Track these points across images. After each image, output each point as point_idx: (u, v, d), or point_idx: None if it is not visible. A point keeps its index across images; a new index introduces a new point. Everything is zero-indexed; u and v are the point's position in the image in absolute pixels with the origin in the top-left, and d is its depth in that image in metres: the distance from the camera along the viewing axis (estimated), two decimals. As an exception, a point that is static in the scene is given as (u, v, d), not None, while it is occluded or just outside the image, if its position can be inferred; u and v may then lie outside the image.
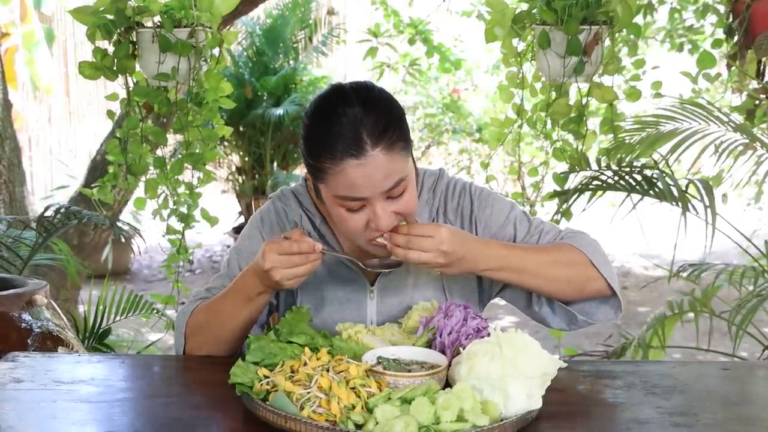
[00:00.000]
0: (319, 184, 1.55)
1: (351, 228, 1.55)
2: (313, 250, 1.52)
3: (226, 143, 7.39)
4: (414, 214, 1.59)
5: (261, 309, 1.64)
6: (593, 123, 3.16)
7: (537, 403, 1.37)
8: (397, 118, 1.52)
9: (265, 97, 7.28)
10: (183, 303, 1.78)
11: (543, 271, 1.62)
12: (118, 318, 3.21)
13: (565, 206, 2.77)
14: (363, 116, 1.47)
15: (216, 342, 1.66)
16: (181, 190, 2.80)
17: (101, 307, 3.14)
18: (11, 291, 2.21)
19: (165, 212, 2.82)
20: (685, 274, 2.88)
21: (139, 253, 3.54)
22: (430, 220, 1.71)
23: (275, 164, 7.48)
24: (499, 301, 1.85)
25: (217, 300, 1.66)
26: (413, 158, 1.60)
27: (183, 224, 2.82)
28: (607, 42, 2.62)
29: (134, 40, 2.58)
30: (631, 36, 2.73)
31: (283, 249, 1.50)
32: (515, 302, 1.76)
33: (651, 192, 2.66)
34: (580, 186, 2.76)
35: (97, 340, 3.06)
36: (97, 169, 4.22)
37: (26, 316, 2.19)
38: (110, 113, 2.89)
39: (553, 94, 2.76)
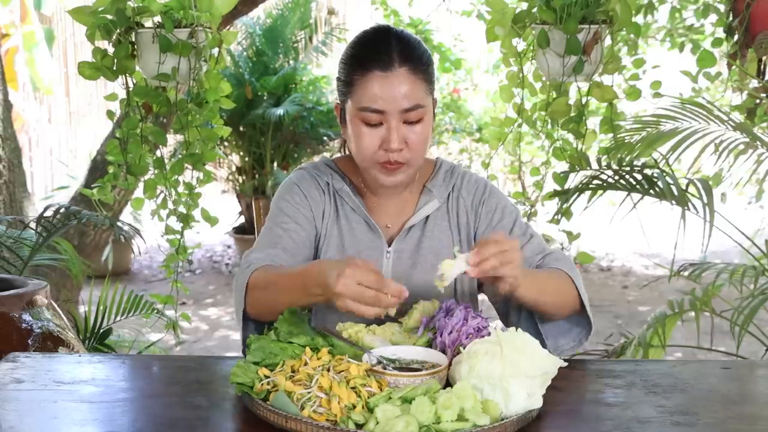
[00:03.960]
0: (346, 101, 1.70)
1: (366, 144, 1.67)
2: (399, 295, 1.41)
3: (226, 143, 7.40)
4: (421, 155, 1.71)
5: (313, 304, 1.59)
6: (593, 122, 3.16)
7: (537, 403, 1.37)
8: (426, 58, 1.69)
9: (265, 97, 7.28)
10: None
11: (548, 294, 1.66)
12: (118, 318, 3.21)
13: (565, 206, 2.77)
14: (397, 42, 1.66)
15: (270, 308, 1.59)
16: (181, 190, 2.80)
17: (102, 308, 3.14)
18: (12, 291, 2.21)
19: (164, 212, 2.82)
20: (685, 274, 2.87)
21: (139, 253, 3.54)
22: (446, 194, 1.83)
23: (275, 164, 7.48)
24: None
25: (280, 276, 1.60)
26: (434, 109, 1.74)
27: (182, 224, 2.82)
28: (607, 41, 2.62)
29: (133, 40, 2.58)
30: (631, 35, 2.73)
31: (365, 280, 1.40)
32: (499, 314, 1.83)
33: (651, 191, 2.66)
34: (580, 185, 2.75)
35: (97, 341, 3.06)
36: (97, 169, 4.23)
37: (27, 317, 2.19)
38: (110, 113, 2.89)
39: (553, 94, 2.76)
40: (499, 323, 1.52)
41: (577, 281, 1.70)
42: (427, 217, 1.81)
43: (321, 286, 1.46)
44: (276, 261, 1.68)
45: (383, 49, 1.65)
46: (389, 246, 1.80)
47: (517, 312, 1.76)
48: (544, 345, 1.70)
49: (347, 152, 1.90)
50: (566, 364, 1.50)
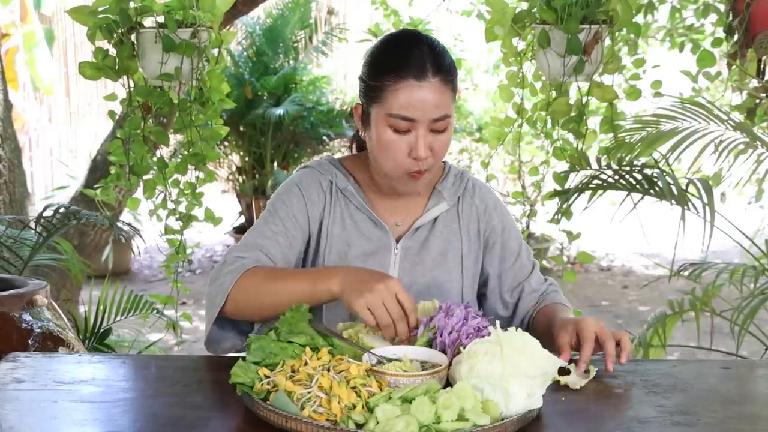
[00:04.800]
0: (372, 105, 1.69)
1: (393, 150, 1.67)
2: (414, 326, 1.54)
3: (226, 143, 7.40)
4: (440, 162, 1.74)
5: (313, 301, 1.61)
6: (593, 122, 3.16)
7: (537, 403, 1.37)
8: (454, 68, 1.70)
9: (265, 97, 7.28)
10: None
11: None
12: (118, 318, 3.21)
13: (565, 205, 2.77)
14: (429, 51, 1.66)
15: (258, 307, 1.65)
16: (182, 189, 2.80)
17: (102, 308, 3.14)
18: (12, 291, 2.21)
19: (163, 212, 2.82)
20: (686, 273, 2.87)
21: (139, 253, 3.54)
22: (455, 198, 1.85)
23: (275, 164, 7.48)
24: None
25: (280, 274, 1.68)
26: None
27: (182, 224, 2.82)
28: (607, 41, 2.62)
29: (134, 40, 2.58)
30: (631, 35, 2.73)
31: (391, 308, 1.52)
32: (490, 307, 1.89)
33: (651, 191, 2.66)
34: (580, 185, 2.75)
35: (97, 340, 3.06)
36: (97, 169, 4.23)
37: (27, 317, 2.18)
38: (111, 113, 2.89)
39: (554, 94, 2.76)
40: (499, 323, 1.52)
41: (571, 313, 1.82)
42: (436, 218, 1.84)
43: (340, 278, 1.56)
44: (259, 264, 1.71)
45: (417, 57, 1.65)
46: (397, 243, 1.82)
47: (519, 324, 1.85)
48: None
49: (353, 152, 1.91)
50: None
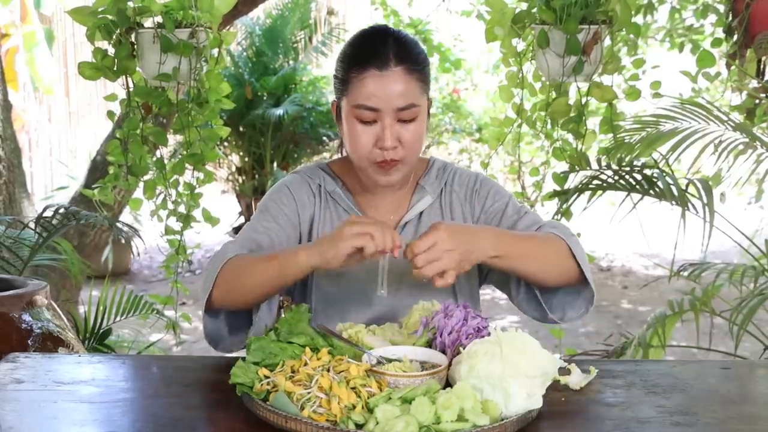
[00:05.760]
0: (342, 99, 1.73)
1: (361, 143, 1.69)
2: (397, 244, 1.55)
3: (226, 143, 7.40)
4: (415, 154, 1.73)
5: (285, 278, 1.62)
6: (593, 122, 3.16)
7: (537, 403, 1.37)
8: (422, 58, 1.72)
9: (265, 97, 7.29)
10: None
11: (534, 257, 1.68)
12: (118, 318, 3.21)
13: (565, 206, 2.77)
14: (393, 42, 1.69)
15: (240, 292, 1.65)
16: (181, 190, 2.80)
17: (101, 308, 3.14)
18: (12, 292, 2.21)
19: (163, 213, 2.82)
20: (685, 274, 2.88)
21: (138, 254, 3.54)
22: (439, 190, 1.85)
23: (275, 164, 7.49)
24: (499, 300, 1.90)
25: (261, 255, 1.69)
26: (428, 108, 1.76)
27: (182, 225, 2.82)
28: (607, 41, 2.63)
29: (134, 40, 2.58)
30: (631, 35, 2.74)
31: (368, 223, 1.54)
32: (502, 288, 1.86)
33: (651, 191, 2.66)
34: (580, 185, 2.76)
35: (97, 341, 3.06)
36: (97, 170, 4.23)
37: (27, 317, 2.19)
38: (110, 114, 2.89)
39: (553, 94, 2.76)
40: (499, 323, 1.52)
41: (575, 249, 1.70)
42: (421, 213, 1.84)
43: (308, 254, 1.57)
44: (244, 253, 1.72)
45: (380, 48, 1.67)
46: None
47: (516, 284, 1.78)
48: (545, 317, 1.75)
49: (343, 154, 1.92)
50: (566, 364, 1.50)
